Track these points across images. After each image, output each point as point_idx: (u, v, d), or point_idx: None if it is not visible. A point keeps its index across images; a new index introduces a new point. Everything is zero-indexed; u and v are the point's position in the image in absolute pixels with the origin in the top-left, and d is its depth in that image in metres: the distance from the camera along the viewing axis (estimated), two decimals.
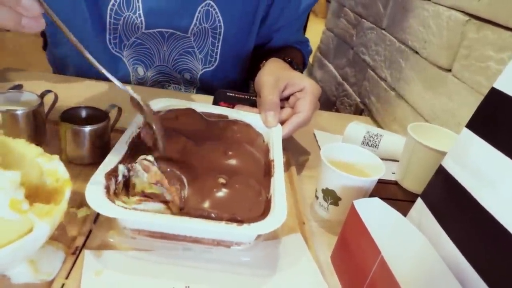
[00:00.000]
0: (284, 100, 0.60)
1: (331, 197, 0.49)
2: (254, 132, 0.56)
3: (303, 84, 0.58)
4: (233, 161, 0.47)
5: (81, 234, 0.40)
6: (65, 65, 0.83)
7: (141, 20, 0.72)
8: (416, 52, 0.77)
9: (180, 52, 0.79)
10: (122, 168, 0.42)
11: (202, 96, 0.81)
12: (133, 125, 0.50)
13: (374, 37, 0.99)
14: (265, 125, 0.56)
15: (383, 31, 0.94)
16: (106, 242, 0.41)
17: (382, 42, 0.94)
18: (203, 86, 0.86)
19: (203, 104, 0.59)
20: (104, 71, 0.39)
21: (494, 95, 0.36)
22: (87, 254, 0.38)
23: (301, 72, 0.72)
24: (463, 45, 0.62)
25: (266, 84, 0.58)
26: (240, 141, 0.52)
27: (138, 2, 0.70)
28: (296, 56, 0.85)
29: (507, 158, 0.33)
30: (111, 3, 0.69)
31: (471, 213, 0.36)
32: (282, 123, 0.57)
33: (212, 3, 0.73)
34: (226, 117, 0.58)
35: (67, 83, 0.77)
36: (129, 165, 0.43)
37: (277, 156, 0.49)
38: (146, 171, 0.42)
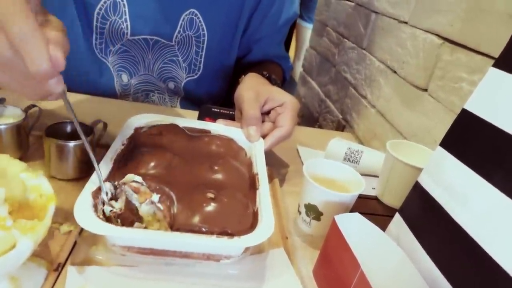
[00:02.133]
0: (264, 114, 0.62)
1: (313, 212, 0.50)
2: (237, 146, 0.57)
3: (283, 99, 0.60)
4: (219, 176, 0.48)
5: (63, 250, 0.40)
6: None
7: (126, 25, 0.73)
8: (395, 72, 0.80)
9: (164, 60, 0.80)
10: (108, 186, 0.42)
11: (187, 111, 0.82)
12: (118, 141, 0.50)
13: (355, 56, 1.02)
14: (248, 139, 0.58)
15: (363, 51, 0.97)
16: (90, 257, 0.40)
17: (362, 61, 0.97)
18: (187, 96, 0.86)
19: (186, 119, 0.60)
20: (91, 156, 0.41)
21: (465, 115, 0.39)
22: (70, 269, 0.38)
23: (280, 87, 0.74)
24: (438, 66, 0.65)
25: (247, 99, 0.59)
26: (225, 156, 0.53)
27: (124, 7, 0.71)
28: (276, 71, 0.86)
29: (477, 176, 0.35)
30: (98, 6, 0.70)
31: (445, 228, 0.37)
32: (264, 137, 0.58)
33: (196, 11, 0.75)
34: (208, 131, 0.59)
35: None
36: (115, 183, 0.43)
37: (261, 169, 0.50)
38: (136, 192, 0.42)
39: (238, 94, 0.62)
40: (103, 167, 0.44)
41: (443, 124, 0.62)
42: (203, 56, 0.80)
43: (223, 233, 0.39)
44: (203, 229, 0.39)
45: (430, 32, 0.69)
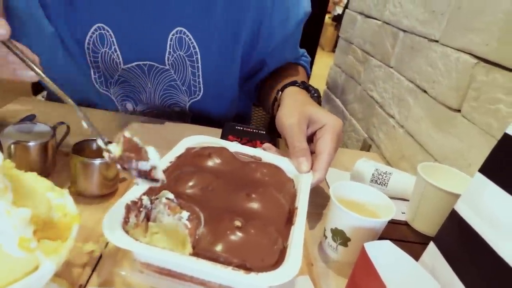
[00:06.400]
0: (308, 139, 0.59)
1: (340, 237, 0.48)
2: (285, 177, 0.55)
3: (324, 121, 0.57)
4: (254, 205, 0.46)
5: (85, 271, 0.40)
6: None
7: (117, 55, 0.72)
8: (425, 91, 0.77)
9: (164, 87, 0.79)
10: (145, 200, 0.42)
11: (210, 129, 0.82)
12: (167, 158, 0.51)
13: (382, 75, 1.00)
14: (298, 171, 0.55)
15: (391, 69, 0.95)
16: (111, 278, 0.40)
17: (390, 80, 0.95)
18: (196, 116, 0.86)
19: (238, 145, 0.60)
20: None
21: (507, 140, 0.36)
22: None
23: (319, 96, 0.72)
24: (472, 87, 0.62)
25: (291, 130, 0.57)
26: (267, 185, 0.51)
27: (111, 37, 0.70)
28: (301, 73, 0.84)
29: None
30: (86, 41, 0.71)
31: (486, 262, 0.35)
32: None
33: (183, 29, 0.72)
34: (259, 159, 0.58)
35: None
36: (152, 197, 0.43)
37: (302, 204, 0.47)
38: (167, 208, 0.42)
39: (280, 121, 0.60)
40: (146, 182, 0.44)
41: (478, 147, 0.59)
42: (201, 77, 0.78)
43: (240, 266, 0.37)
44: (221, 258, 0.37)
45: (463, 51, 0.66)
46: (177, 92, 0.80)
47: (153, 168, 0.39)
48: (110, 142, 0.40)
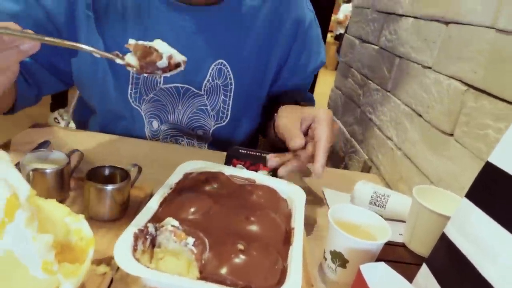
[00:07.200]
0: (306, 136, 0.64)
1: (339, 259, 0.50)
2: (279, 198, 0.58)
3: (313, 113, 0.64)
4: (253, 227, 0.49)
5: None
6: (89, 123, 0.89)
7: (160, 75, 0.78)
8: (420, 115, 0.81)
9: (193, 110, 0.84)
10: (151, 227, 0.45)
11: (215, 152, 0.85)
12: (167, 185, 0.54)
13: (380, 98, 1.04)
14: (290, 147, 0.62)
15: (388, 93, 0.99)
16: None
17: (387, 103, 0.98)
18: (215, 141, 0.90)
19: (233, 168, 0.63)
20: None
21: (490, 168, 0.39)
22: None
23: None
24: (463, 112, 0.66)
25: (286, 126, 0.65)
26: (264, 207, 0.54)
27: None
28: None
29: (505, 231, 0.35)
30: None
31: (473, 284, 0.37)
32: (312, 157, 0.61)
33: (224, 62, 0.80)
34: (253, 181, 0.61)
35: (91, 140, 0.81)
36: (157, 225, 0.46)
37: (298, 224, 0.50)
38: (174, 235, 0.45)
39: (277, 127, 0.68)
40: (149, 210, 0.48)
41: (470, 170, 0.62)
42: (230, 105, 0.85)
43: (246, 287, 0.40)
44: (228, 281, 0.40)
45: (454, 78, 0.70)
46: (205, 116, 0.85)
47: (170, 57, 0.42)
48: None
